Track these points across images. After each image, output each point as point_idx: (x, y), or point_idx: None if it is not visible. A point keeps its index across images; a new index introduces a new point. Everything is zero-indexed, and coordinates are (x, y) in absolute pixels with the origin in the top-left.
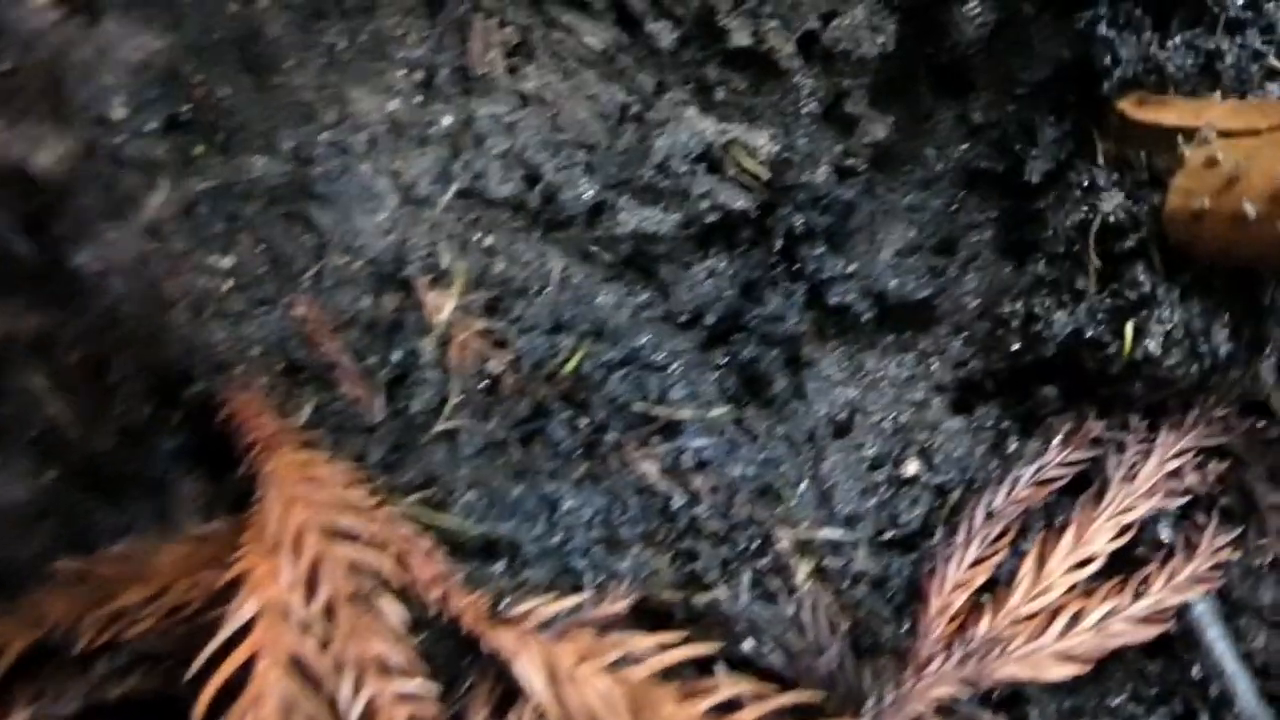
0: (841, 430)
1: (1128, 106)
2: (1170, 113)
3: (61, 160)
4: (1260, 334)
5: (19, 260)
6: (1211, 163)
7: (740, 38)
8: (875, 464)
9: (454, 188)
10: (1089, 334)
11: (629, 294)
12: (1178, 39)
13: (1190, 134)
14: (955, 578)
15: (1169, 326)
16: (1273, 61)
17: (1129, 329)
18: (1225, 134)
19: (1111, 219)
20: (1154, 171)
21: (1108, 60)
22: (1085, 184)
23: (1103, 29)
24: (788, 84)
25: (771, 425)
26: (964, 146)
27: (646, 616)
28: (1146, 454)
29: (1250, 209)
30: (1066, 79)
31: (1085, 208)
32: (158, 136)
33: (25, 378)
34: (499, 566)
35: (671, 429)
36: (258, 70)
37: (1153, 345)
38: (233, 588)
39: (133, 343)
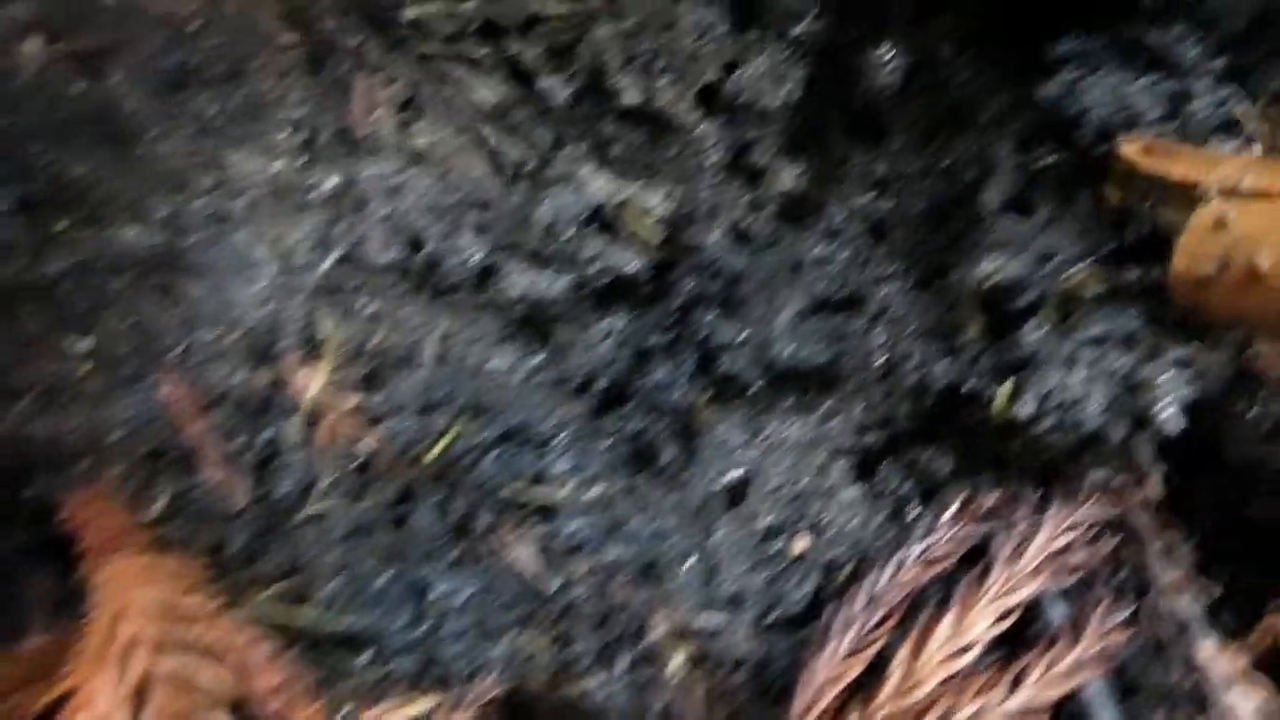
0: (735, 499)
1: (1133, 153)
2: (1178, 165)
3: None
4: (1140, 411)
5: None
6: (1220, 225)
7: (631, 96)
8: (768, 535)
9: (334, 254)
10: (965, 388)
11: (523, 356)
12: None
13: (1197, 191)
14: (827, 672)
15: (1046, 390)
16: (1235, 110)
17: (1006, 387)
18: (1234, 193)
19: (1006, 276)
20: (1159, 225)
21: (1079, 106)
22: (986, 238)
23: (1069, 72)
24: (687, 138)
25: (663, 495)
26: (873, 195)
27: (519, 708)
28: (1036, 529)
29: (1262, 278)
30: (988, 124)
31: (985, 262)
32: (9, 217)
33: None
34: (364, 658)
35: (548, 510)
36: (118, 143)
37: (1027, 407)
38: (56, 708)
39: None
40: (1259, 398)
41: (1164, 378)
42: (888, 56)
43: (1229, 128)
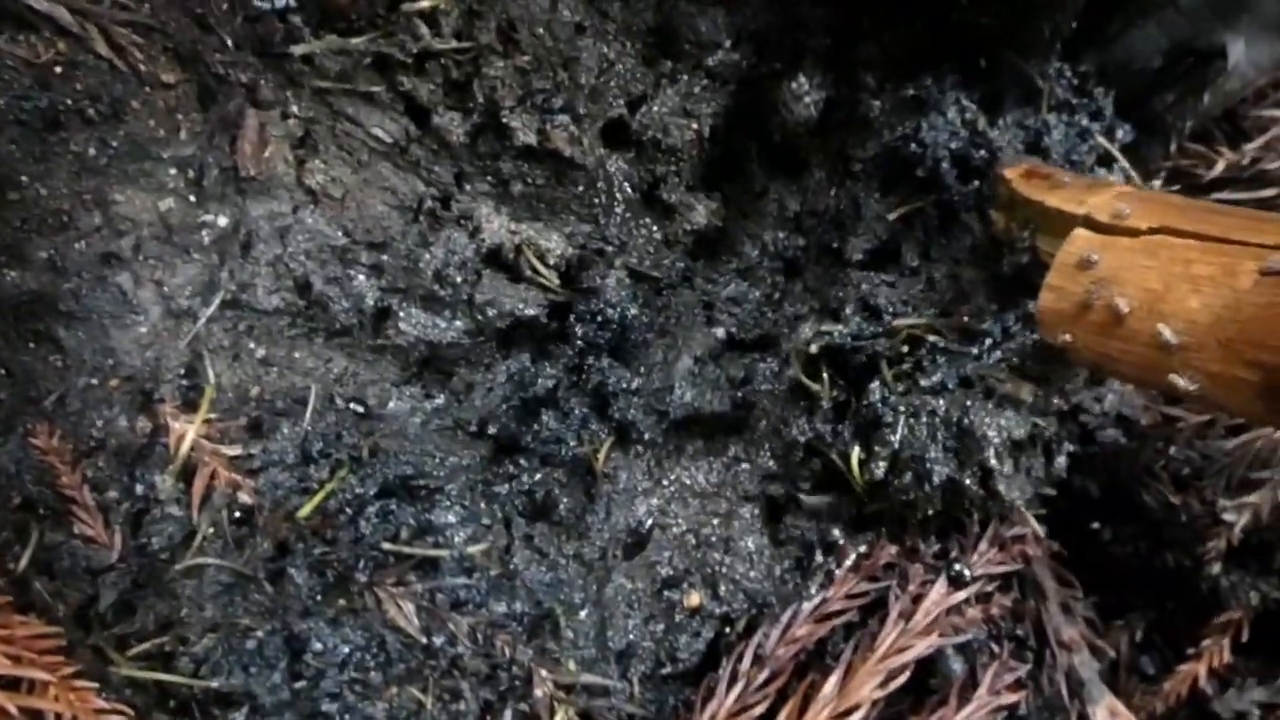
0: (637, 546)
1: (1015, 178)
2: (1055, 194)
3: None
4: (979, 458)
5: None
6: (1085, 264)
7: (525, 136)
8: (666, 584)
9: (218, 298)
10: (826, 447)
11: (422, 400)
12: (1008, 118)
13: (1072, 221)
14: None
15: (891, 448)
16: (1100, 141)
17: (856, 451)
18: (1105, 228)
19: (839, 335)
20: (1036, 254)
21: (937, 141)
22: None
23: (931, 117)
24: (590, 176)
25: (560, 544)
26: (785, 232)
27: None
28: (931, 583)
29: (1123, 320)
30: (897, 157)
31: (813, 323)
32: None
33: None
34: (239, 715)
35: (431, 565)
36: None
37: (879, 467)
38: None
39: None
40: (1178, 440)
41: (995, 423)
42: (804, 89)
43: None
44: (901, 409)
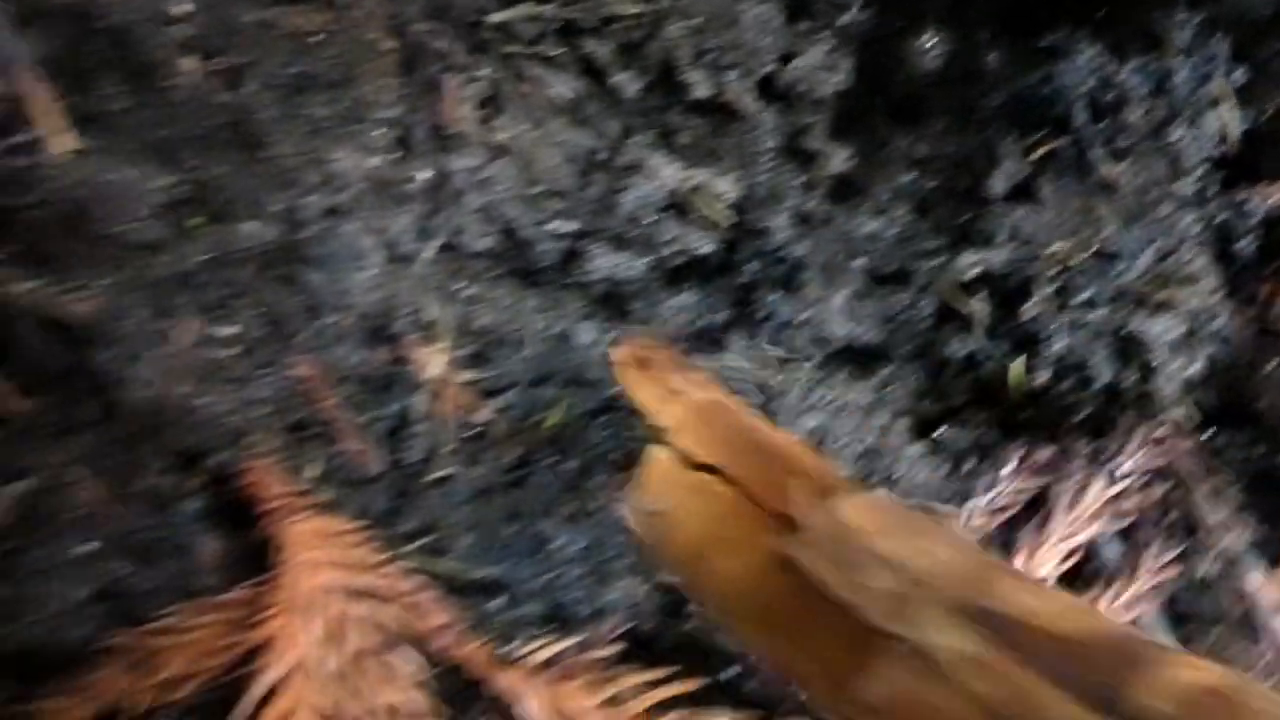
0: None
1: (621, 357)
2: (648, 388)
3: (95, 305)
4: (1140, 360)
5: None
6: (666, 477)
7: (701, 90)
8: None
9: (435, 243)
10: (977, 365)
11: (604, 331)
12: (1133, 63)
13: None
14: None
15: (1053, 359)
16: (1218, 86)
17: (1018, 363)
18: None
19: (983, 265)
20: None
21: (1067, 85)
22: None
23: (1060, 64)
24: (747, 125)
25: None
26: (915, 174)
27: (636, 645)
28: (1090, 479)
29: (670, 562)
30: (1026, 103)
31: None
32: (158, 216)
33: (58, 462)
34: (497, 604)
35: None
36: (247, 146)
37: (1040, 377)
38: (262, 648)
39: (153, 427)
40: None
41: (1154, 327)
42: (929, 44)
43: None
44: (1060, 323)
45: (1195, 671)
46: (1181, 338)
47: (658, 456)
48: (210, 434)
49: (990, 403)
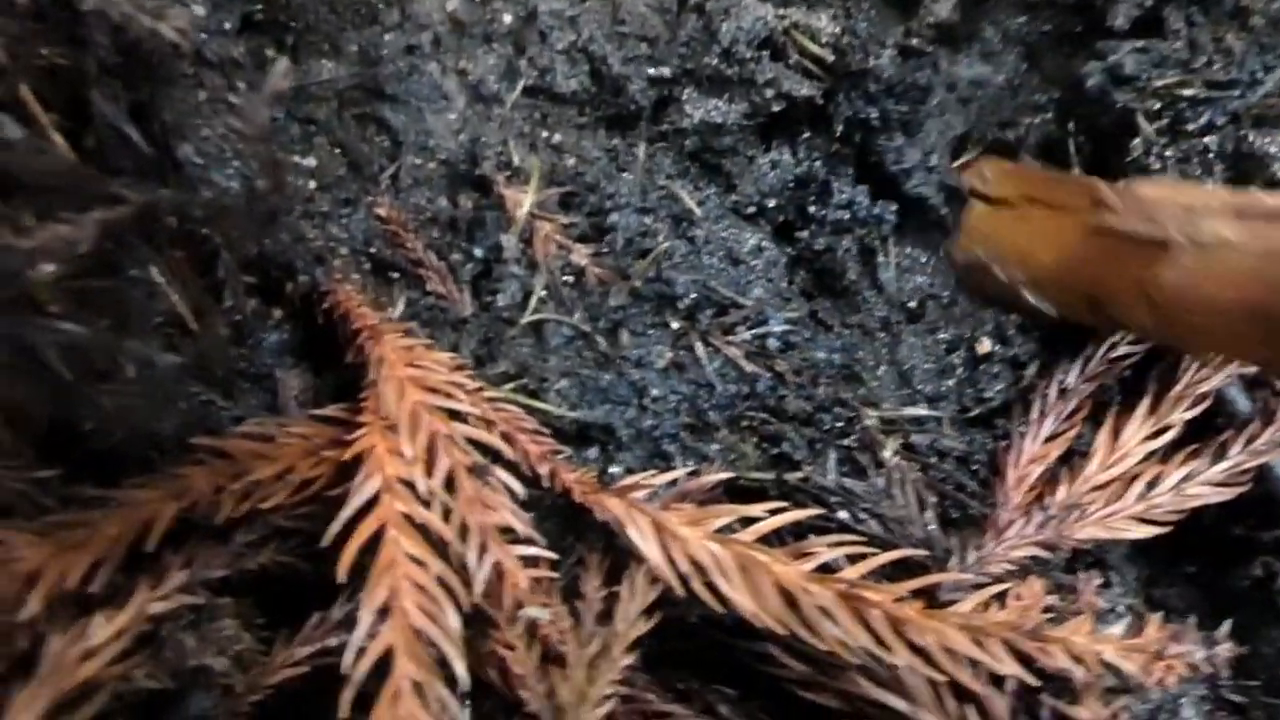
0: (914, 317)
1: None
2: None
3: (187, 27)
4: (1264, 175)
5: (130, 145)
6: (982, 220)
7: None
8: (951, 347)
9: (521, 84)
10: None
11: (696, 189)
12: None
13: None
14: (1031, 452)
15: None
16: None
17: None
18: (993, 199)
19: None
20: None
21: None
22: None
23: None
24: None
25: (845, 315)
26: (1023, 19)
27: (738, 495)
28: None
29: (1000, 277)
30: None
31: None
32: (234, 36)
33: (145, 268)
34: (594, 451)
35: (754, 316)
36: None
37: None
38: (355, 465)
39: (238, 230)
40: None
41: (1274, 140)
42: None
43: None
44: (1170, 154)
45: None
46: None
47: (977, 208)
48: (296, 256)
49: None
